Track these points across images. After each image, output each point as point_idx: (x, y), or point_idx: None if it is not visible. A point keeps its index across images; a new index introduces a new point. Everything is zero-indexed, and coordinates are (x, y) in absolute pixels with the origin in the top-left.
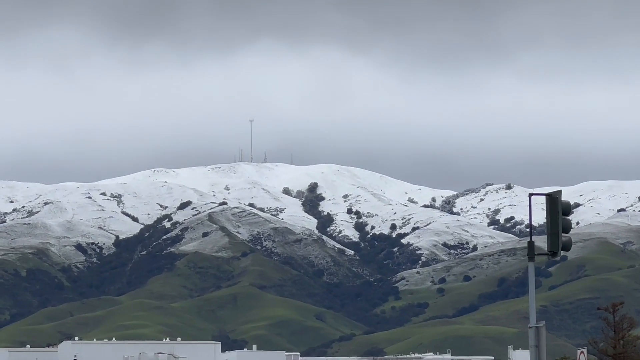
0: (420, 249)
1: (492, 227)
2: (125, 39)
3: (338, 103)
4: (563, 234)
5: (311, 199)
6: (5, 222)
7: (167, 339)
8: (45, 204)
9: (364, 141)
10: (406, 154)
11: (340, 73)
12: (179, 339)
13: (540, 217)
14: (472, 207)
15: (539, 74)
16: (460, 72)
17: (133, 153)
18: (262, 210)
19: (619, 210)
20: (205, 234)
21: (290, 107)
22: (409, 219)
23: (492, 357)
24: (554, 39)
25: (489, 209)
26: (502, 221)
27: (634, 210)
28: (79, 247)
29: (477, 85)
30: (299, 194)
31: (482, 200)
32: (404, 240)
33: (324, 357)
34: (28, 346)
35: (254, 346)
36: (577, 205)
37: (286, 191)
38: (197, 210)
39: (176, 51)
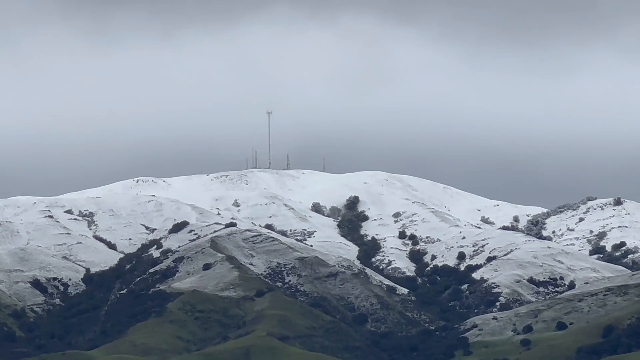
0: (498, 286)
1: (596, 256)
2: (90, 5)
3: (382, 89)
4: None
5: (350, 219)
6: None
7: None
8: None
9: (420, 140)
10: (478, 158)
11: (382, 49)
12: None
13: None
14: (568, 229)
15: None
16: (543, 48)
17: (108, 157)
18: (283, 234)
19: None
20: (207, 266)
21: (320, 95)
22: (483, 246)
23: None
24: None
25: (591, 232)
26: (608, 249)
27: None
28: (36, 284)
29: (567, 66)
30: (333, 212)
31: (581, 220)
32: (475, 275)
33: None
34: None
35: None
36: None
37: (316, 208)
38: (195, 234)
39: (159, 21)
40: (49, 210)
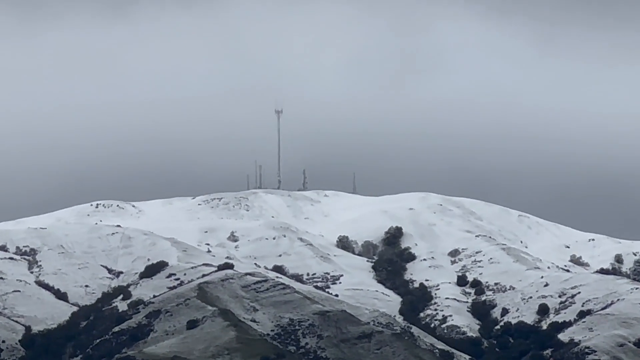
0: (593, 351)
1: None
2: None
3: (427, 81)
4: None
5: (390, 258)
6: None
7: None
8: None
9: (484, 151)
10: (565, 176)
11: (422, 27)
12: None
13: None
14: None
15: None
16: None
17: (55, 174)
18: (298, 279)
19: None
20: (192, 324)
21: (346, 90)
22: (573, 297)
23: None
24: None
25: None
26: None
27: None
28: None
29: None
30: (367, 249)
31: None
32: (563, 336)
33: None
34: None
35: None
36: None
37: (344, 243)
38: (177, 279)
39: None
40: None
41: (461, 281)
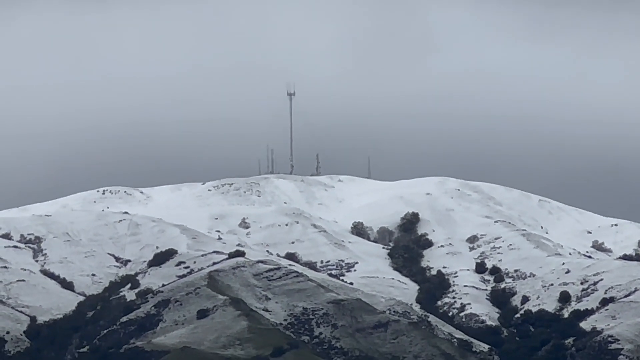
0: (617, 340)
1: None
2: None
3: (446, 64)
4: None
5: (407, 245)
6: None
7: None
8: None
9: (503, 134)
10: (586, 159)
11: (438, 8)
12: None
13: None
14: None
15: None
16: None
17: (60, 159)
18: (312, 267)
19: None
20: (203, 313)
21: (361, 72)
22: (596, 284)
23: None
24: None
25: None
26: None
27: None
28: None
29: None
30: (382, 235)
31: None
32: (585, 324)
33: None
34: None
35: None
36: None
37: (358, 230)
38: (187, 268)
39: None
40: None
41: (480, 268)
